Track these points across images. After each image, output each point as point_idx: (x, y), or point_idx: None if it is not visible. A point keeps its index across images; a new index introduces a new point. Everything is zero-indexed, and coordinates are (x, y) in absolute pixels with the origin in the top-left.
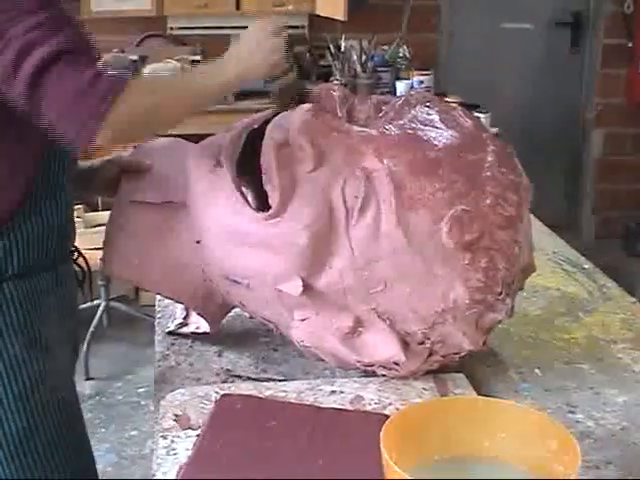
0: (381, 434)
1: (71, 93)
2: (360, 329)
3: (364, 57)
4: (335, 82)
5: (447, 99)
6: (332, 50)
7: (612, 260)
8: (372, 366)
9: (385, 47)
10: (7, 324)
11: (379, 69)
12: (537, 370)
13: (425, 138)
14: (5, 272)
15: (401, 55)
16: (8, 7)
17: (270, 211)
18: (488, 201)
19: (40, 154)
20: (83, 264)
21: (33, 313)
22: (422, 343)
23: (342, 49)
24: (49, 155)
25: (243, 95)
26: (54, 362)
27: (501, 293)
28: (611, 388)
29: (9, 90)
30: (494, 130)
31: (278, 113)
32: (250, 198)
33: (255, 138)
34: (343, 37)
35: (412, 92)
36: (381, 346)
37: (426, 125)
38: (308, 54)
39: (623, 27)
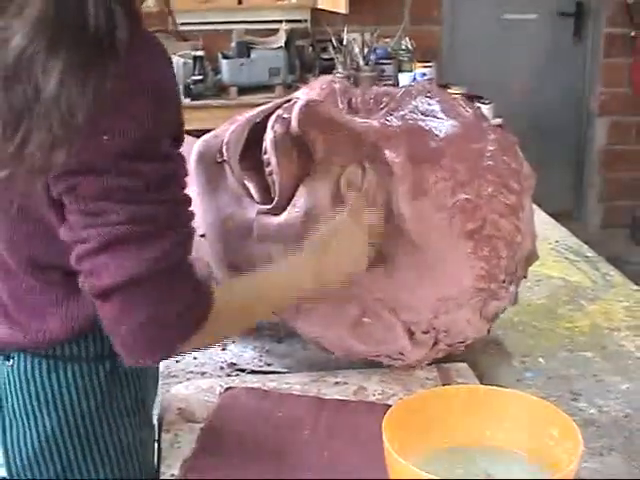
0: (383, 424)
1: (146, 327)
2: (365, 319)
3: (366, 50)
4: (338, 75)
5: (450, 90)
6: (334, 43)
7: (619, 249)
8: (378, 356)
9: (387, 40)
10: (120, 406)
11: (382, 62)
12: (540, 359)
13: (426, 128)
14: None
15: (404, 47)
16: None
17: (273, 203)
18: (490, 190)
19: None
20: None
21: (145, 387)
22: (427, 332)
23: (344, 42)
24: None
25: (247, 89)
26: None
27: (504, 281)
28: (614, 375)
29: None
30: (498, 120)
31: (280, 106)
32: (253, 191)
33: (258, 131)
34: (345, 30)
35: (413, 83)
36: (386, 335)
37: (427, 115)
38: (310, 48)
39: (626, 16)
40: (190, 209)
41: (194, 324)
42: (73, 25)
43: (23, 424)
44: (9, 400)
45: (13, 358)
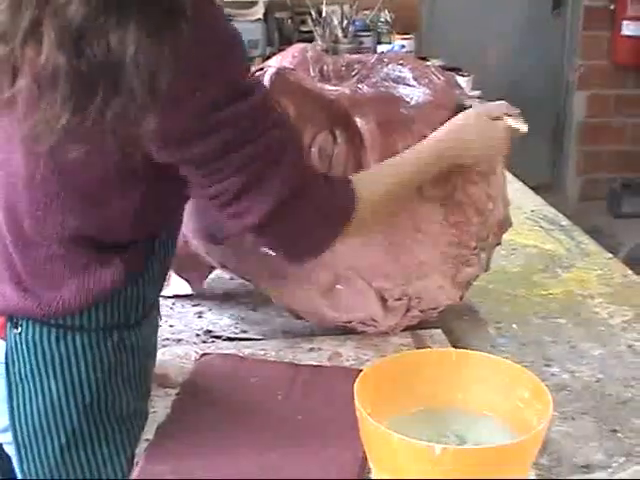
0: (355, 387)
1: (293, 247)
2: (338, 286)
3: (345, 22)
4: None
5: (428, 63)
6: (313, 16)
7: (597, 221)
8: (351, 322)
9: (366, 12)
10: (124, 377)
11: (360, 34)
12: (514, 325)
13: (397, 95)
14: (128, 320)
15: (382, 20)
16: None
17: None
18: None
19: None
20: None
21: (146, 360)
22: (399, 299)
23: (323, 14)
24: None
25: None
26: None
27: (476, 247)
28: (587, 342)
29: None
30: (476, 93)
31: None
32: None
33: None
34: (324, 2)
35: (385, 52)
36: (359, 302)
37: (398, 83)
38: (289, 20)
39: None
40: (290, 125)
41: (339, 225)
42: None
43: (29, 389)
44: (16, 365)
45: (21, 326)
